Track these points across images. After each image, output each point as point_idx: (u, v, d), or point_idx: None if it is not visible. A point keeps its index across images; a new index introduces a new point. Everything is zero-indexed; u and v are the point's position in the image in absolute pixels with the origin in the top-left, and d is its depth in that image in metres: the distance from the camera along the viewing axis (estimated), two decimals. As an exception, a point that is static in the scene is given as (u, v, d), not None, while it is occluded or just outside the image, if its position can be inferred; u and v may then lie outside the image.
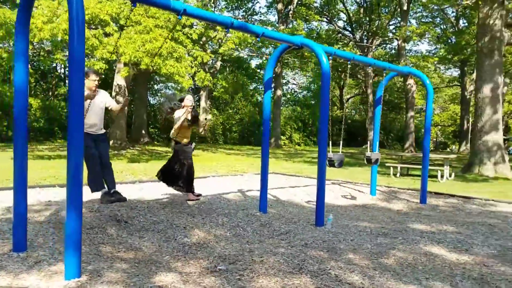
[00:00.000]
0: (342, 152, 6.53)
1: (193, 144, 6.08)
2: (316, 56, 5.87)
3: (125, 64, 15.28)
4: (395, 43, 36.07)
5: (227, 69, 37.88)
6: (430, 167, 10.03)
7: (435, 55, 33.98)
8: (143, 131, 25.75)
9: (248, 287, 3.26)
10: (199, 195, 6.02)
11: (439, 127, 50.03)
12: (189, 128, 5.97)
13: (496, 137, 14.01)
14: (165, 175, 6.10)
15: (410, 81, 28.79)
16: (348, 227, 5.70)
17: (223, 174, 11.14)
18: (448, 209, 7.54)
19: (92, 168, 5.19)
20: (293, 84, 48.61)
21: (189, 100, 5.80)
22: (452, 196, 8.87)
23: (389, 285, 3.47)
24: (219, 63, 32.31)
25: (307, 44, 5.92)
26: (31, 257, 3.76)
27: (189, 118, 5.83)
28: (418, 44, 48.30)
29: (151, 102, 35.87)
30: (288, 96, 44.48)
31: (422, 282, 3.58)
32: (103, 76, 21.60)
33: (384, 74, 8.30)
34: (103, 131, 5.54)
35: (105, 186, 5.32)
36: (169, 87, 38.30)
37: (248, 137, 34.59)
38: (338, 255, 4.28)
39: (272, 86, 41.48)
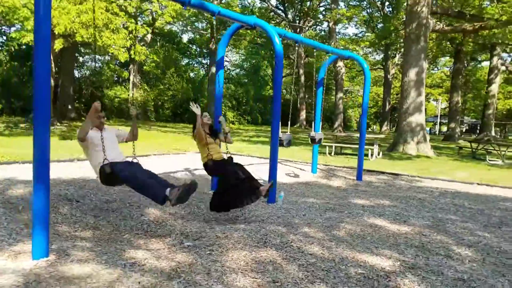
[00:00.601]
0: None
1: (228, 154, 5.52)
2: (268, 37, 5.99)
3: (57, 36, 14.25)
4: (325, 24, 37.17)
5: (158, 42, 36.62)
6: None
7: (362, 39, 35.48)
8: (70, 106, 24.32)
9: (221, 261, 3.40)
10: (271, 183, 5.29)
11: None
12: (215, 142, 5.52)
13: (419, 118, 15.17)
14: (232, 199, 4.99)
15: (340, 64, 29.93)
16: (298, 203, 6.00)
17: (165, 153, 11.01)
18: (381, 185, 8.17)
19: (142, 184, 4.08)
20: (226, 61, 48.31)
21: (206, 118, 5.45)
22: (383, 173, 9.59)
23: (346, 254, 3.79)
24: (149, 36, 31.09)
25: (260, 25, 6.01)
26: (-13, 238, 3.58)
27: (207, 123, 5.37)
28: (346, 27, 50.03)
29: (77, 76, 33.90)
30: (221, 73, 44.11)
31: (374, 251, 3.95)
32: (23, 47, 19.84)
33: (327, 56, 8.65)
34: (129, 158, 4.79)
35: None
36: (97, 60, 36.30)
37: (182, 114, 33.92)
38: (295, 229, 4.54)
39: (206, 62, 40.87)
